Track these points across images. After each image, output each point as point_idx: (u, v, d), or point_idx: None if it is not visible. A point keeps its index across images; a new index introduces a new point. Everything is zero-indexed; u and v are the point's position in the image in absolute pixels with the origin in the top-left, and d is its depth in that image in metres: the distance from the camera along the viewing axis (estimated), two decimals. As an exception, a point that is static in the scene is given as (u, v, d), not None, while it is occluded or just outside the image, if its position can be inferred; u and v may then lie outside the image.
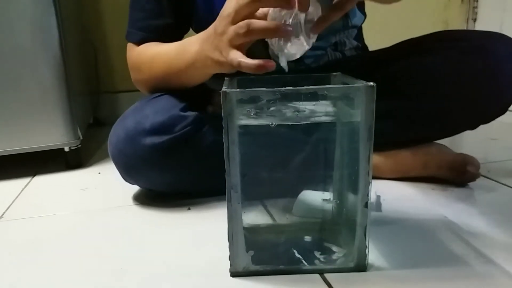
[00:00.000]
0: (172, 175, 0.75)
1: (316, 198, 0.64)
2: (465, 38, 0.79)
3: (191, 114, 0.73)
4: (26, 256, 0.62)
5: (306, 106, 0.51)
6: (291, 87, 0.48)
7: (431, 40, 0.83)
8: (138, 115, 0.74)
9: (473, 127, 0.83)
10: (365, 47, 0.97)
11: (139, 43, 0.82)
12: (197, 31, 0.86)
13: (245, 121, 0.50)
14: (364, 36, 0.97)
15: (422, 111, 0.79)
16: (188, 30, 0.89)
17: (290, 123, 0.51)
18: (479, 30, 0.81)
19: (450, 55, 0.76)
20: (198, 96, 0.80)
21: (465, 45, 0.76)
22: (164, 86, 0.78)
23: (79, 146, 1.03)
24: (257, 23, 0.57)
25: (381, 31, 1.19)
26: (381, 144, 0.79)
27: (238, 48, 0.60)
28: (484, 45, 0.76)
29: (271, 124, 0.50)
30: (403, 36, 0.91)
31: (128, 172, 0.76)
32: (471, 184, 0.81)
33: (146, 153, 0.71)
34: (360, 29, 0.96)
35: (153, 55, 0.79)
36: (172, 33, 0.81)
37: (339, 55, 0.89)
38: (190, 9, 0.84)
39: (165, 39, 0.79)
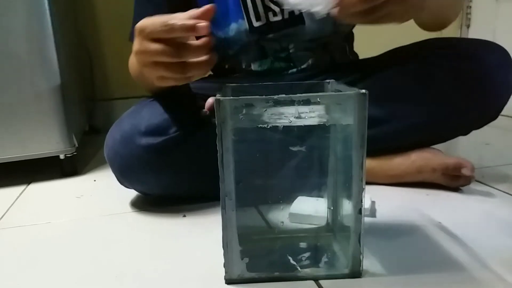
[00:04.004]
0: (167, 177, 0.75)
1: (311, 204, 0.64)
2: (456, 45, 0.80)
3: (186, 117, 0.74)
4: (21, 265, 0.62)
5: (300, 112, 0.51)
6: (284, 95, 0.48)
7: (422, 48, 0.83)
8: (134, 118, 0.75)
9: (465, 133, 0.84)
10: (355, 54, 0.98)
11: None
12: None
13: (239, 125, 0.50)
14: (356, 42, 0.98)
15: (415, 118, 0.79)
16: None
17: (283, 125, 0.51)
18: (470, 38, 0.83)
19: (441, 63, 0.77)
20: (194, 100, 0.81)
21: (456, 53, 0.77)
22: (145, 87, 0.79)
23: (75, 153, 1.03)
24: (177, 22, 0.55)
25: (373, 36, 1.20)
26: (375, 150, 0.80)
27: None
28: (474, 52, 0.77)
29: (267, 126, 0.50)
30: (396, 41, 0.92)
31: (124, 174, 0.76)
32: (465, 189, 0.81)
33: (142, 154, 0.72)
34: (351, 36, 0.96)
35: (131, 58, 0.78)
36: None
37: (328, 58, 0.90)
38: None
39: None
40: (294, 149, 0.56)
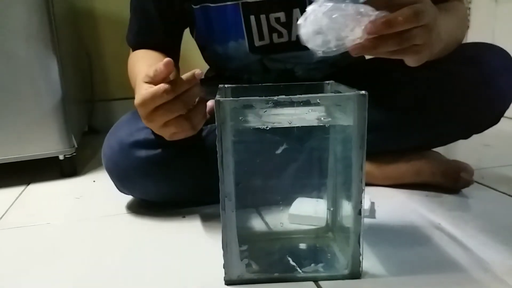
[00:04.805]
0: (168, 186, 0.74)
1: (310, 205, 0.64)
2: (458, 49, 0.79)
3: None
4: (20, 265, 0.62)
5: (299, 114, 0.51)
6: (283, 96, 0.48)
7: None
8: (132, 127, 0.73)
9: (466, 136, 0.83)
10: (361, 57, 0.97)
11: (133, 49, 0.88)
12: (197, 40, 0.89)
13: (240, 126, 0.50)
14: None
15: (416, 122, 0.79)
16: (182, 35, 0.90)
17: (283, 126, 0.51)
18: (472, 42, 0.82)
19: (443, 66, 0.76)
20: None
21: (458, 56, 0.75)
22: None
23: (74, 154, 1.03)
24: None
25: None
26: (375, 153, 0.79)
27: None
28: (476, 56, 0.76)
29: (266, 127, 0.50)
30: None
31: (123, 184, 0.76)
32: (465, 190, 0.81)
33: (141, 165, 0.71)
34: None
35: (130, 70, 0.83)
36: (163, 45, 0.84)
37: (335, 70, 0.89)
38: (185, 24, 0.87)
39: (157, 49, 0.84)
40: (294, 150, 0.56)
